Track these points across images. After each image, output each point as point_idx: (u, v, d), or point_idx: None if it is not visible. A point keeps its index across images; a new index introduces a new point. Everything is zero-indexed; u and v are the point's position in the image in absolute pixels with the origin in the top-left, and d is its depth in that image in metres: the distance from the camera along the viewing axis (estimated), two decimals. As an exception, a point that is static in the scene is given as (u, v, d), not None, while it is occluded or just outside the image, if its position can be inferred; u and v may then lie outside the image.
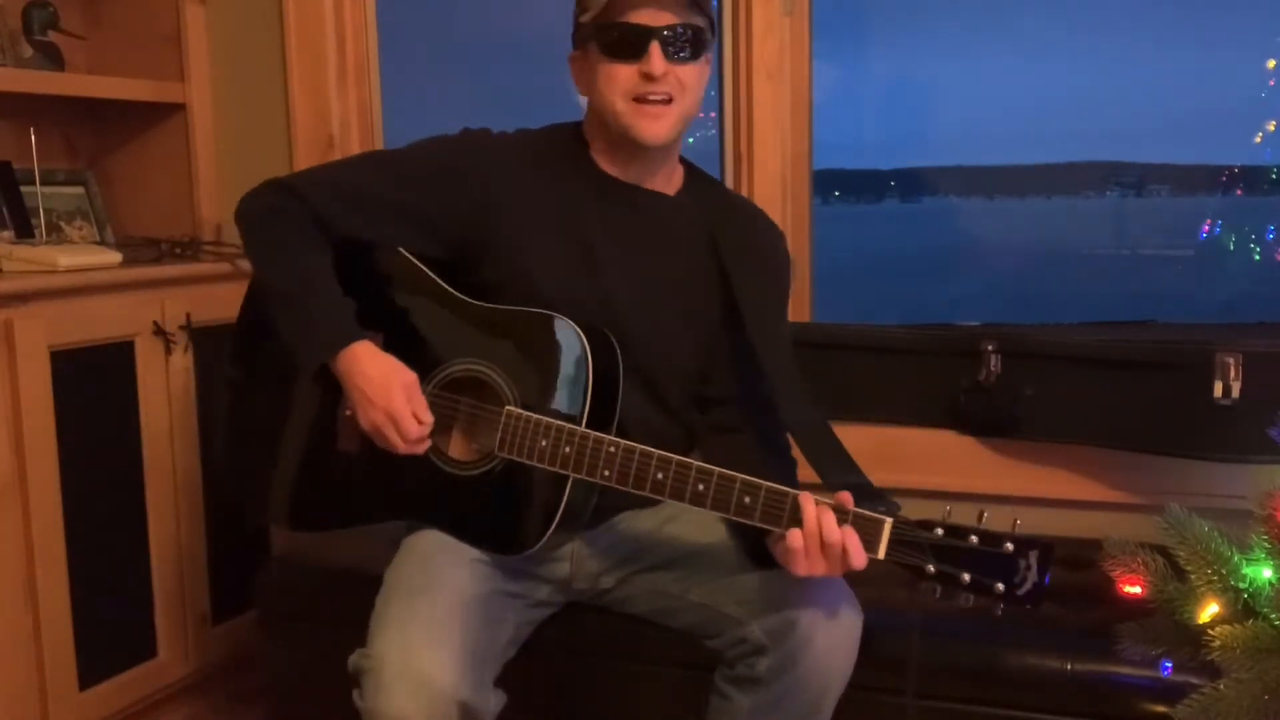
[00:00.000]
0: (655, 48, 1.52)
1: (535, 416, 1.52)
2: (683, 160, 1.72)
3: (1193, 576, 1.47)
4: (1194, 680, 1.48)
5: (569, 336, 1.54)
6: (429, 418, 1.56)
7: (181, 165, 2.58)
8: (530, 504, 1.56)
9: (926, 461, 2.13)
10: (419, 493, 1.62)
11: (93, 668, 2.11)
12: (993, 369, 2.05)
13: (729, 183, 2.31)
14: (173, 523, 2.27)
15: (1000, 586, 1.32)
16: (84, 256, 2.16)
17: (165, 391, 2.25)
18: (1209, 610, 1.47)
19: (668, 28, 1.53)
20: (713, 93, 2.30)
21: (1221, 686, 1.41)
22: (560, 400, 1.54)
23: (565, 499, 1.53)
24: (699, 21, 1.56)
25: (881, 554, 1.37)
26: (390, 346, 1.60)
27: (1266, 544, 1.47)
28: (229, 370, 1.80)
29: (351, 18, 2.55)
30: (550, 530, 1.54)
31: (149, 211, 2.61)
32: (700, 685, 1.61)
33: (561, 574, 1.68)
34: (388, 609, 1.50)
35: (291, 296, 1.60)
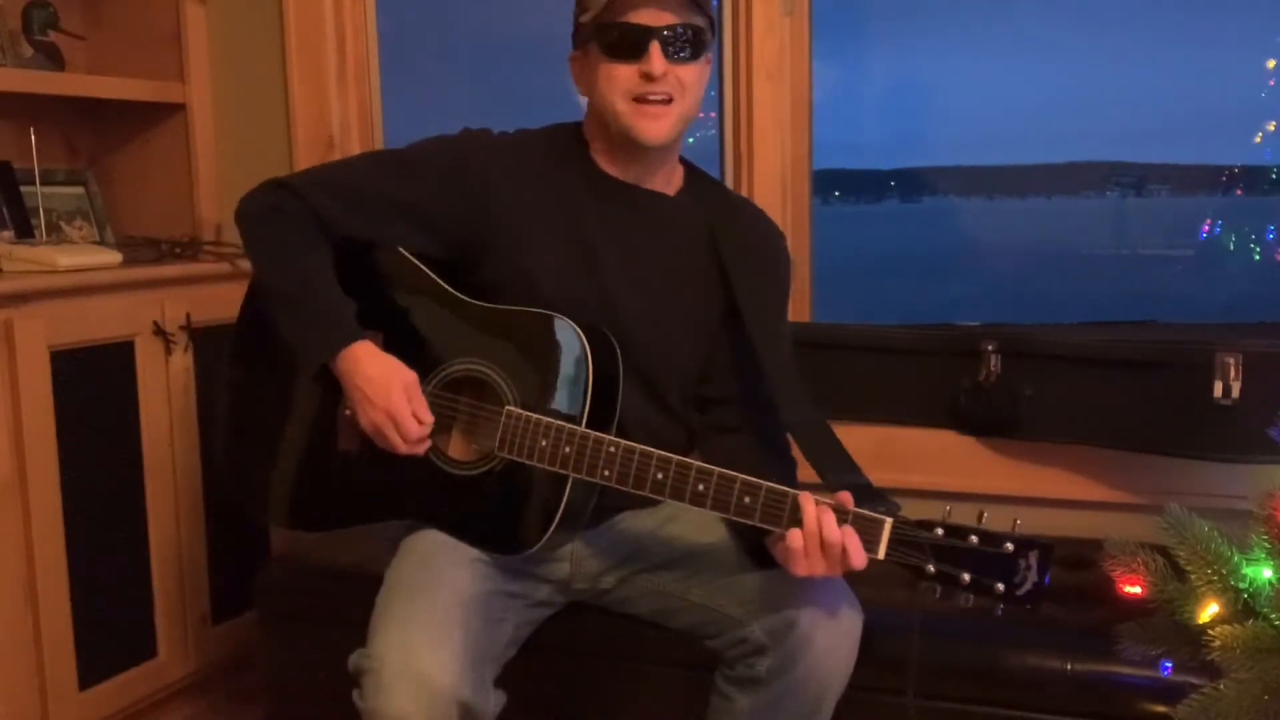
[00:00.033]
0: (655, 48, 1.52)
1: (535, 416, 1.52)
2: (683, 160, 1.72)
3: (1193, 576, 1.47)
4: (1194, 680, 1.48)
5: (569, 336, 1.54)
6: (429, 417, 1.56)
7: (181, 165, 2.58)
8: (530, 504, 1.56)
9: (926, 461, 2.13)
10: (419, 493, 1.62)
11: (93, 668, 2.11)
12: (993, 369, 2.05)
13: (729, 183, 2.31)
14: (173, 523, 2.27)
15: (1000, 587, 1.32)
16: (84, 256, 2.16)
17: (165, 391, 2.25)
18: (1209, 610, 1.46)
19: (668, 28, 1.53)
20: (713, 93, 2.30)
21: (1221, 686, 1.41)
22: (560, 400, 1.54)
23: (565, 499, 1.53)
24: (699, 21, 1.56)
25: (881, 554, 1.37)
26: (390, 346, 1.60)
27: (1266, 544, 1.46)
28: (229, 370, 1.80)
29: (351, 18, 2.55)
30: (550, 530, 1.54)
31: (149, 211, 2.61)
32: (700, 685, 1.61)
33: (561, 574, 1.68)
34: (388, 609, 1.50)
35: (292, 296, 1.60)
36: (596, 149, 1.66)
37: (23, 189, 2.33)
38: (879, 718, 1.65)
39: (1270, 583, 1.45)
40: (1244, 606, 1.45)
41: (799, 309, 2.31)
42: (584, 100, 1.66)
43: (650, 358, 1.63)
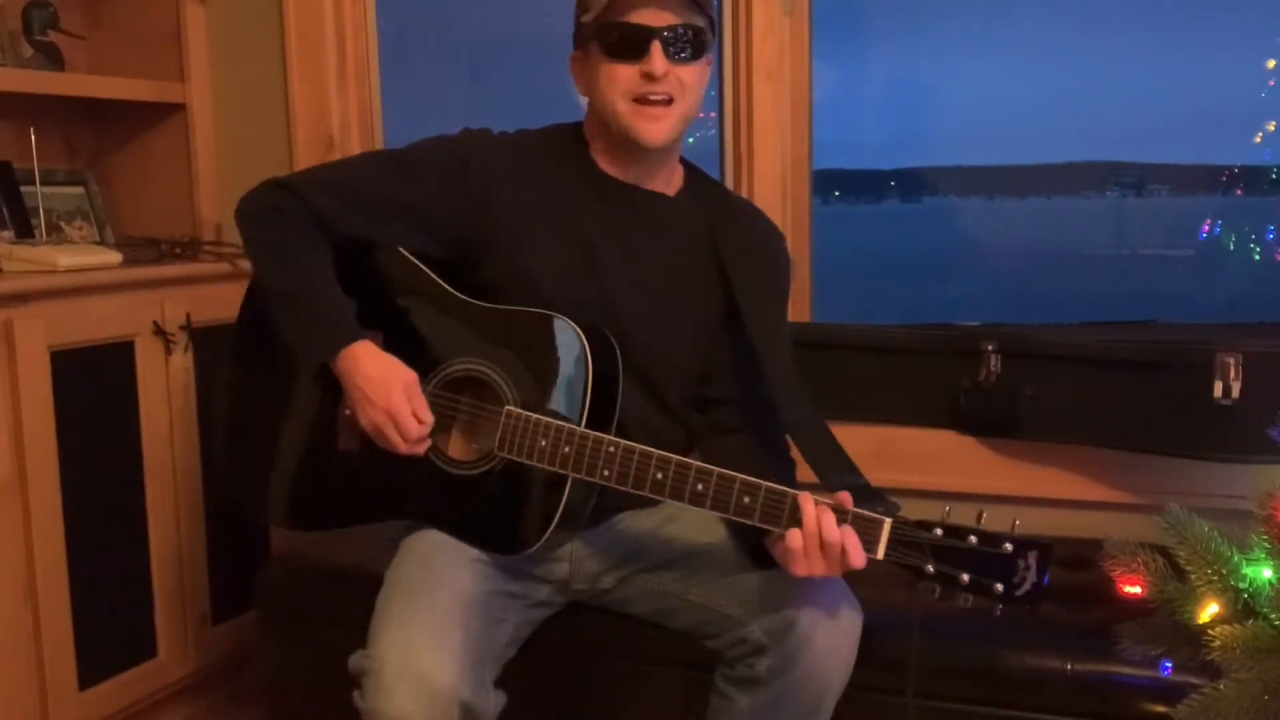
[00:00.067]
0: (656, 48, 1.52)
1: (535, 416, 1.52)
2: (683, 161, 1.72)
3: (1193, 576, 1.47)
4: (1194, 680, 1.48)
5: (569, 336, 1.54)
6: (429, 417, 1.56)
7: (181, 165, 2.58)
8: (529, 504, 1.56)
9: (926, 461, 2.13)
10: (418, 492, 1.62)
11: (93, 668, 2.11)
12: (993, 369, 2.05)
13: (729, 183, 2.31)
14: (173, 523, 2.27)
15: (999, 587, 1.32)
16: (84, 256, 2.16)
17: (165, 391, 2.25)
18: (1209, 610, 1.46)
19: (668, 28, 1.53)
20: (713, 93, 2.30)
21: (1221, 686, 1.41)
22: (560, 400, 1.54)
23: (565, 499, 1.53)
24: (700, 21, 1.56)
25: (881, 554, 1.37)
26: (390, 346, 1.60)
27: (1266, 544, 1.46)
28: (229, 370, 1.80)
29: (351, 18, 2.55)
30: (549, 530, 1.54)
31: (149, 211, 2.61)
32: (700, 685, 1.61)
33: (561, 574, 1.68)
34: (388, 609, 1.50)
35: (292, 296, 1.60)
36: (597, 149, 1.66)
37: (23, 189, 2.33)
38: (879, 718, 1.65)
39: (1270, 583, 1.45)
40: (1244, 606, 1.45)
41: (799, 309, 2.31)
42: (584, 100, 1.66)
43: (650, 358, 1.63)
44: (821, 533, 1.37)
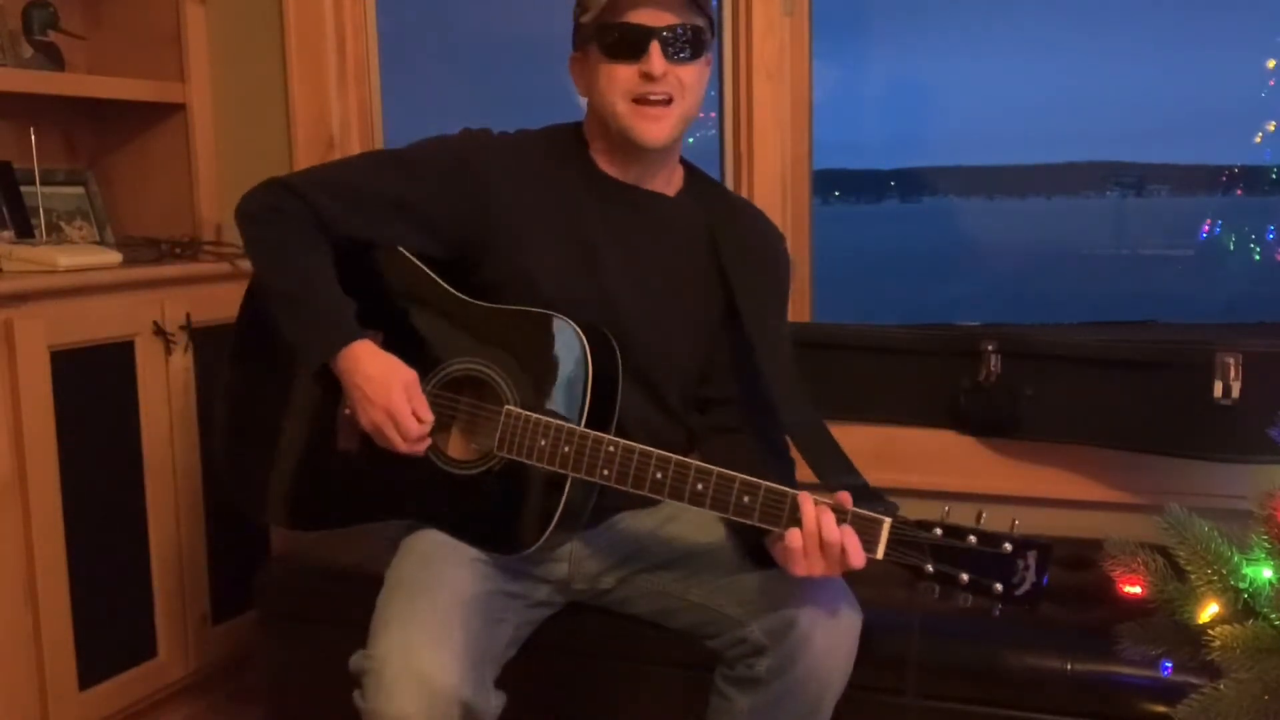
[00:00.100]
0: (655, 48, 1.52)
1: (534, 416, 1.52)
2: (683, 161, 1.72)
3: (1193, 576, 1.47)
4: (1194, 680, 1.48)
5: (568, 336, 1.54)
6: (429, 416, 1.56)
7: (181, 165, 2.58)
8: (529, 503, 1.56)
9: (926, 461, 2.13)
10: (418, 492, 1.62)
11: (93, 668, 2.11)
12: (993, 369, 2.05)
13: (729, 183, 2.31)
14: (173, 523, 2.27)
15: (998, 587, 1.32)
16: (84, 256, 2.16)
17: (165, 391, 2.25)
18: (1209, 610, 1.46)
19: (668, 28, 1.53)
20: (713, 93, 2.30)
21: (1221, 686, 1.41)
22: (559, 400, 1.54)
23: (564, 499, 1.53)
24: (699, 21, 1.56)
25: (880, 554, 1.37)
26: (390, 346, 1.60)
27: (1266, 544, 1.46)
28: (229, 370, 1.80)
29: (351, 18, 2.55)
30: (549, 530, 1.54)
31: (149, 211, 2.61)
32: (700, 685, 1.61)
33: (560, 574, 1.68)
34: (388, 609, 1.50)
35: (292, 296, 1.60)
36: (596, 149, 1.66)
37: (23, 189, 2.33)
38: (878, 718, 1.65)
39: (1270, 583, 1.45)
40: (1244, 606, 1.45)
41: (799, 309, 2.31)
42: (584, 100, 1.66)
43: (650, 358, 1.63)
44: (821, 532, 1.37)
